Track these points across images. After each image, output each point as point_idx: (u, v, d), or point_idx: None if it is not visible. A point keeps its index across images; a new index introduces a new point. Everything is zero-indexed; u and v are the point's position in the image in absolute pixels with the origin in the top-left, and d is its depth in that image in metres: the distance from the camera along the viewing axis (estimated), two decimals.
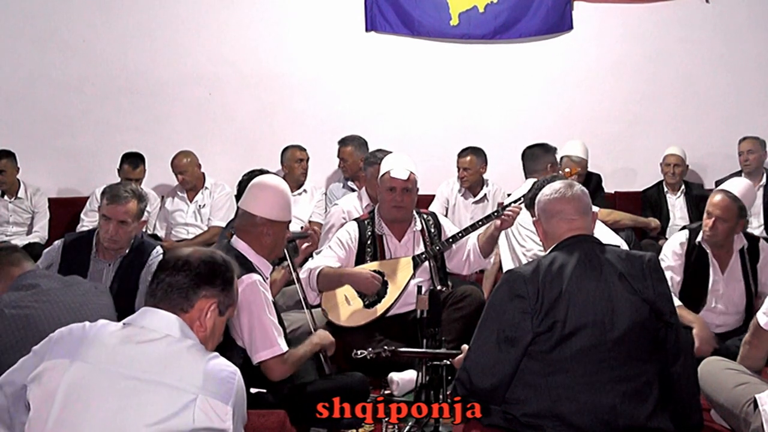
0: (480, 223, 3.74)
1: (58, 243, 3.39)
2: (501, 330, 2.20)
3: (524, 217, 3.80)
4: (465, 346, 2.43)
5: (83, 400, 1.59)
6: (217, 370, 1.67)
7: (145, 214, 3.46)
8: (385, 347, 2.76)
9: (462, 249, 3.82)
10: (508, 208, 3.60)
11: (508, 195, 4.89)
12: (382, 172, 3.71)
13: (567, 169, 4.12)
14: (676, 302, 3.31)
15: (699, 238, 3.50)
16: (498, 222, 3.63)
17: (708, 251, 3.49)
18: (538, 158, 4.64)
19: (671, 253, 3.55)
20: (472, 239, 3.82)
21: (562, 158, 5.04)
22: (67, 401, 1.58)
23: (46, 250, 3.44)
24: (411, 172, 3.67)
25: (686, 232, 3.60)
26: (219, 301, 1.79)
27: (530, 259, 3.54)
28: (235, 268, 2.63)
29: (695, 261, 3.51)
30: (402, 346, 2.90)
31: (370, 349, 2.74)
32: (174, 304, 1.74)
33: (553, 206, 2.35)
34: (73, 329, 1.72)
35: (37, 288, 2.43)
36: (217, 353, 1.74)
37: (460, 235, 3.73)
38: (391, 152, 4.12)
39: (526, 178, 4.59)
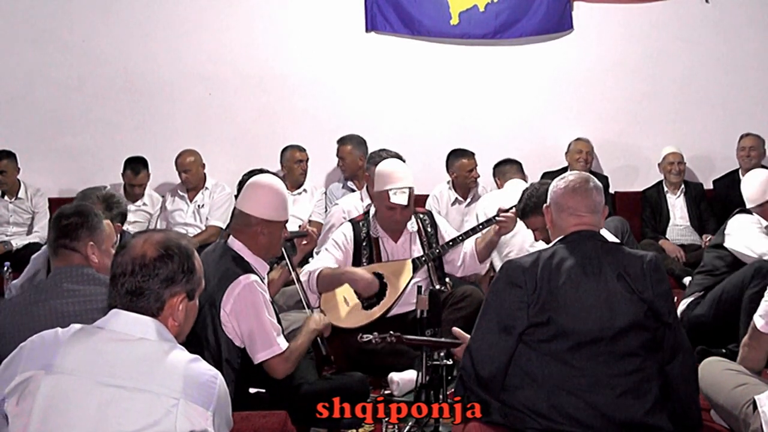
0: (480, 227, 3.74)
1: (45, 249, 3.16)
2: (500, 319, 2.23)
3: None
4: (457, 330, 2.51)
5: (62, 412, 1.53)
6: (197, 374, 1.60)
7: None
8: (391, 332, 2.75)
9: (457, 252, 3.82)
10: (503, 214, 3.61)
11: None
12: (381, 186, 3.60)
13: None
14: None
15: None
16: (496, 227, 3.65)
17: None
18: (505, 174, 4.87)
19: None
20: (470, 243, 3.82)
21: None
22: (46, 414, 1.53)
23: (33, 256, 3.26)
24: (410, 189, 3.61)
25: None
26: (186, 292, 1.73)
27: None
28: (232, 267, 2.64)
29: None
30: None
31: (375, 333, 2.72)
32: (144, 310, 1.67)
33: (565, 201, 2.36)
34: (45, 337, 1.65)
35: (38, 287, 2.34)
36: (198, 356, 1.66)
37: (459, 238, 3.73)
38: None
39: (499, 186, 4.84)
